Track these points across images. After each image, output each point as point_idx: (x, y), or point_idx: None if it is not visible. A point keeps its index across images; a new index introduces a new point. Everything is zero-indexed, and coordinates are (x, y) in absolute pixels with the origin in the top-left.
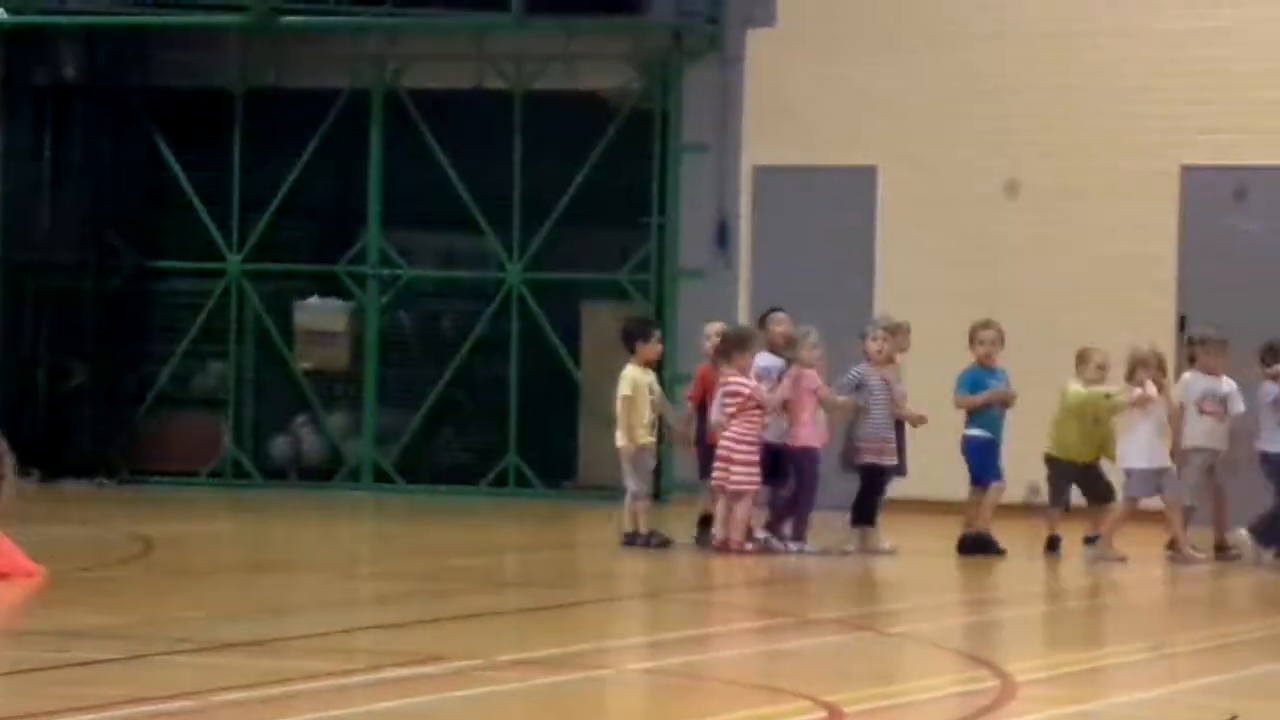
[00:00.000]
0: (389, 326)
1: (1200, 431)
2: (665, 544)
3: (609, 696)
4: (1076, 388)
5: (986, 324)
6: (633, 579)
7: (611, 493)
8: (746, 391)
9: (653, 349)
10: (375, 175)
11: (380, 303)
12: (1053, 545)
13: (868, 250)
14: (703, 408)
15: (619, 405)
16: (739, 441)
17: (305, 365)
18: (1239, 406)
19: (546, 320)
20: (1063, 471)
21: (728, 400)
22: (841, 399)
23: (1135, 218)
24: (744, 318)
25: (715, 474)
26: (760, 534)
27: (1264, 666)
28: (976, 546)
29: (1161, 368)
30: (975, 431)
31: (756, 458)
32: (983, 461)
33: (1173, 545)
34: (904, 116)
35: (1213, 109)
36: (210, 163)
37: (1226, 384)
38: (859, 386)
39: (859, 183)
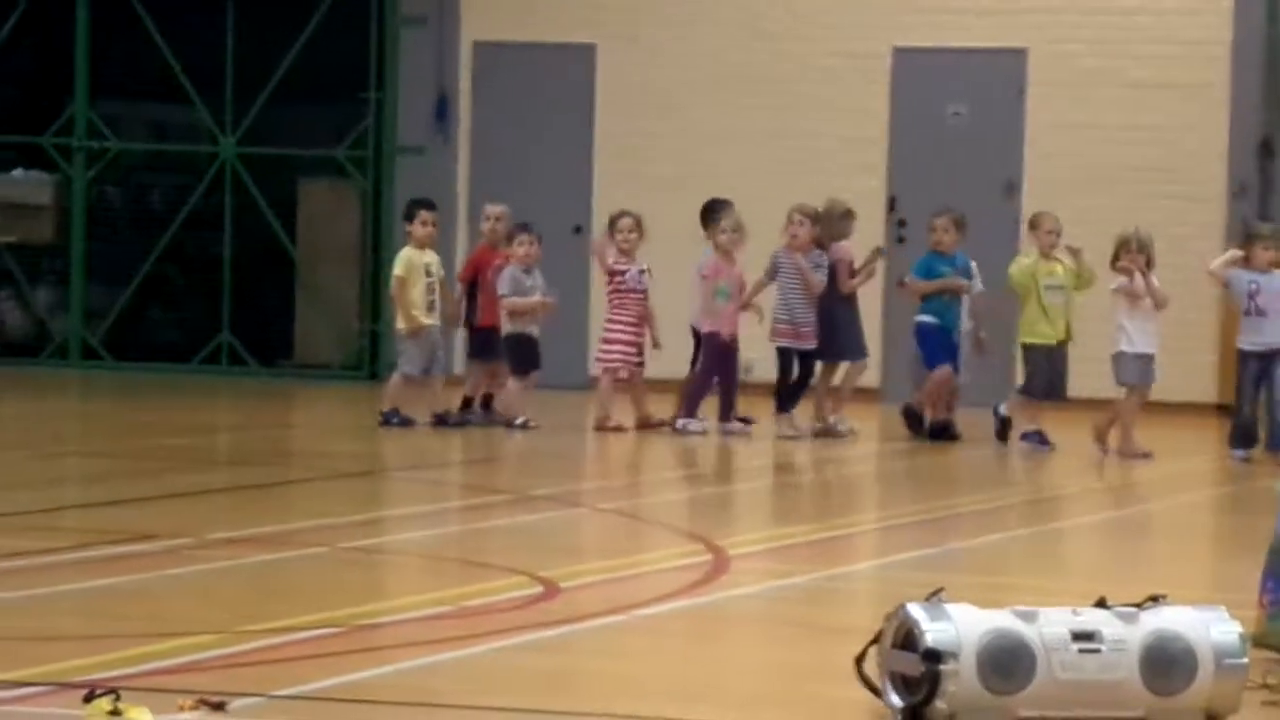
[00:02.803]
0: (97, 200)
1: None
2: (408, 424)
3: (322, 574)
4: (1021, 261)
5: (940, 211)
6: (350, 458)
7: (328, 371)
8: (619, 273)
9: (420, 228)
10: (82, 43)
11: (87, 176)
12: (1024, 436)
13: (587, 129)
14: (473, 289)
15: (393, 286)
16: (611, 322)
17: (8, 239)
18: (979, 285)
19: (261, 196)
20: (1032, 358)
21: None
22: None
23: (847, 100)
24: (463, 195)
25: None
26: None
27: (972, 540)
28: (933, 432)
29: (1144, 251)
30: (924, 318)
31: (627, 338)
32: (930, 347)
33: (1107, 437)
34: None
35: None
36: None
37: (964, 262)
38: (776, 270)
39: (579, 60)
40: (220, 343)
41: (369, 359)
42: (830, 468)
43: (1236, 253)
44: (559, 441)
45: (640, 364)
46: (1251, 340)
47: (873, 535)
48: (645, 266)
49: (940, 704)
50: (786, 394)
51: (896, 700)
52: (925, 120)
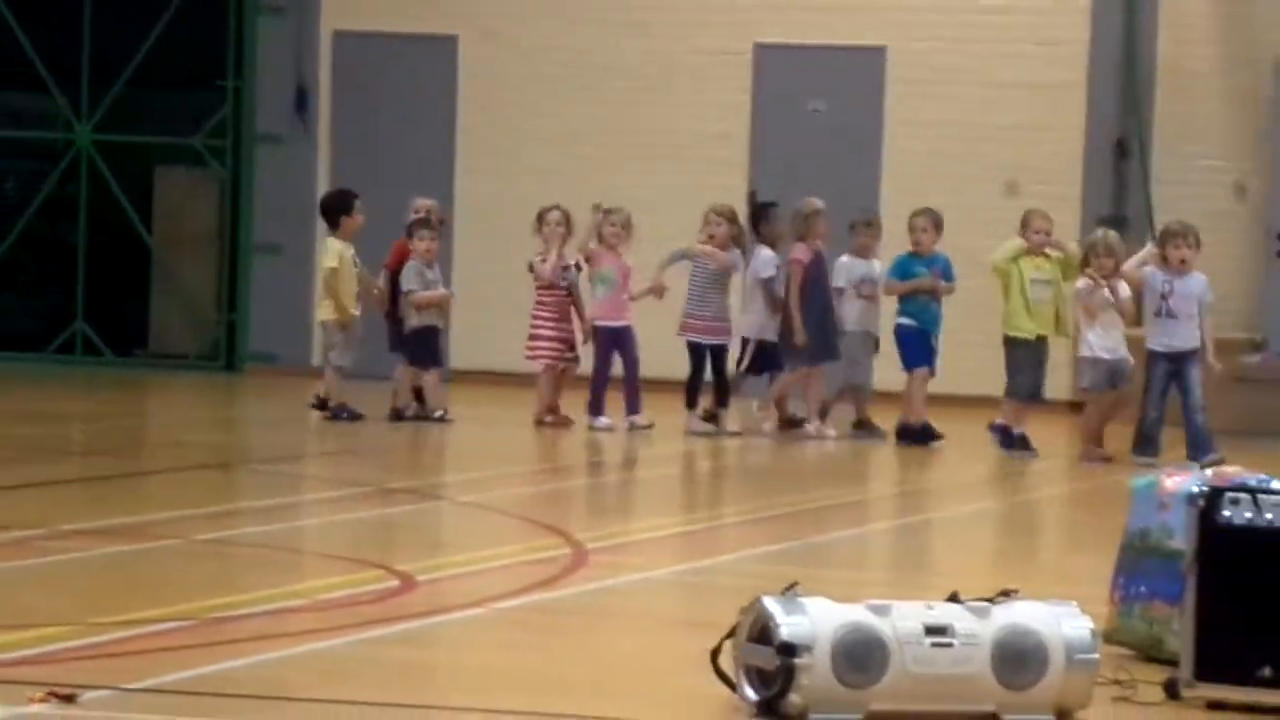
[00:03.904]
0: None
1: (855, 313)
2: (357, 418)
3: (175, 566)
4: (1004, 246)
5: (918, 211)
6: (207, 449)
7: (184, 361)
8: (535, 268)
9: (355, 221)
10: None
11: None
12: (1018, 441)
13: (449, 121)
14: (395, 280)
15: (323, 277)
16: (534, 318)
17: None
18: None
19: (117, 184)
20: (1014, 355)
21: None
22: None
23: (709, 95)
24: (322, 186)
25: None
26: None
27: (828, 534)
28: (912, 435)
29: (1113, 255)
30: (902, 320)
31: (550, 333)
32: (907, 349)
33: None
34: None
35: None
36: None
37: (879, 266)
38: (679, 259)
39: (441, 52)
40: (75, 331)
41: (225, 349)
42: (702, 462)
43: (1152, 249)
44: (434, 435)
45: (574, 359)
46: (1162, 342)
47: (732, 529)
48: (571, 262)
49: (794, 697)
50: (694, 389)
51: (751, 694)
52: (786, 116)
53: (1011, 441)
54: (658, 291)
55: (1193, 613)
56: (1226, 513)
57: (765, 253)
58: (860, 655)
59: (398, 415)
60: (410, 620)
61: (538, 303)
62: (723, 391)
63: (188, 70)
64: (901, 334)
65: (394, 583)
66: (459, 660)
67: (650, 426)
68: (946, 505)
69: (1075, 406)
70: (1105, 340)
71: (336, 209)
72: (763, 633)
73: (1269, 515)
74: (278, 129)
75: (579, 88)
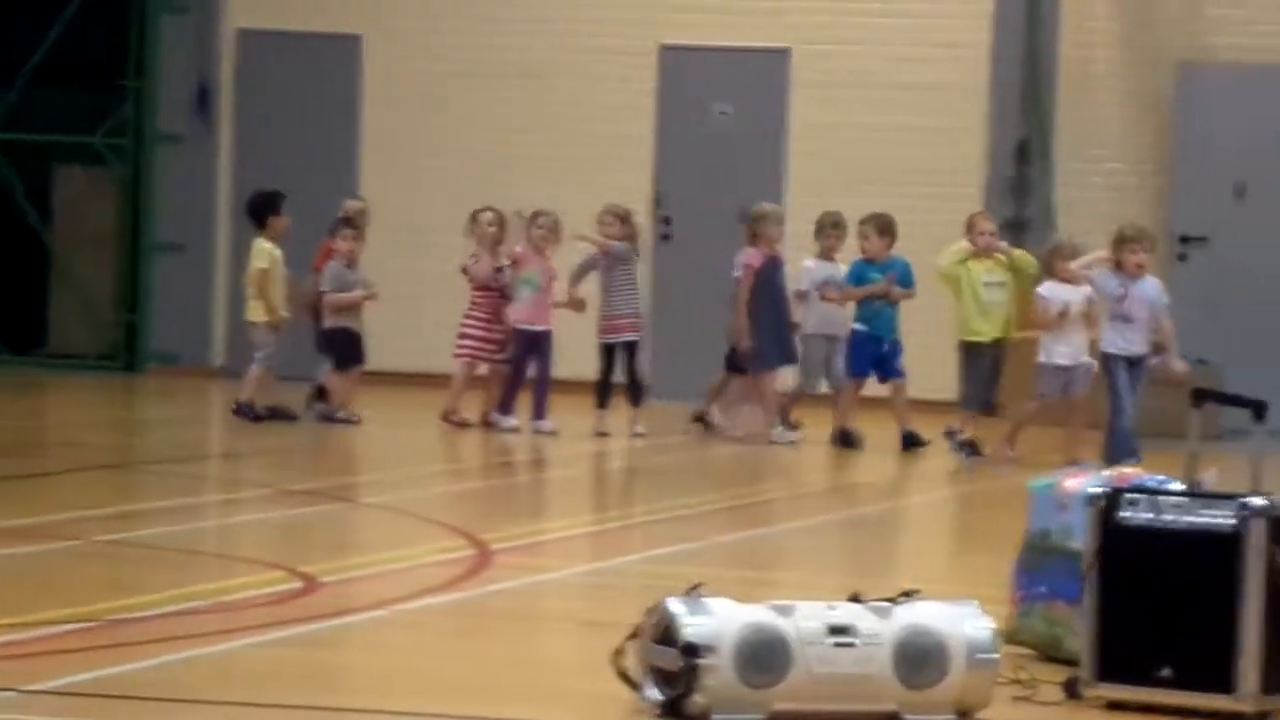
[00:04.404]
0: None
1: (819, 317)
2: (292, 418)
3: (74, 567)
4: (949, 250)
5: (865, 218)
6: (107, 450)
7: (82, 362)
8: (469, 269)
9: (283, 221)
10: None
11: None
12: (966, 447)
13: (352, 121)
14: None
15: (254, 278)
16: (466, 316)
17: None
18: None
19: (16, 182)
20: (968, 361)
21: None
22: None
23: (614, 96)
24: (224, 185)
25: None
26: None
27: (733, 535)
28: (841, 440)
29: (1076, 255)
30: (856, 325)
31: (478, 333)
32: (853, 355)
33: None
34: None
35: None
36: None
37: (843, 270)
38: (588, 269)
39: (344, 51)
40: None
41: (125, 349)
42: (607, 462)
43: (1101, 254)
44: (341, 437)
45: (505, 361)
46: (1119, 346)
47: (637, 530)
48: (503, 264)
49: (698, 698)
50: (604, 389)
51: (655, 695)
52: (692, 118)
53: (962, 447)
54: (576, 307)
55: (1093, 613)
56: (1125, 513)
57: (741, 257)
58: (763, 656)
59: (328, 417)
60: (313, 622)
61: (471, 303)
62: (635, 391)
63: (88, 69)
64: (853, 339)
65: (297, 584)
66: (362, 662)
67: (554, 433)
68: (852, 506)
69: (947, 404)
70: (1065, 346)
71: (265, 209)
72: (666, 634)
73: (1167, 516)
74: (179, 128)
75: (484, 87)
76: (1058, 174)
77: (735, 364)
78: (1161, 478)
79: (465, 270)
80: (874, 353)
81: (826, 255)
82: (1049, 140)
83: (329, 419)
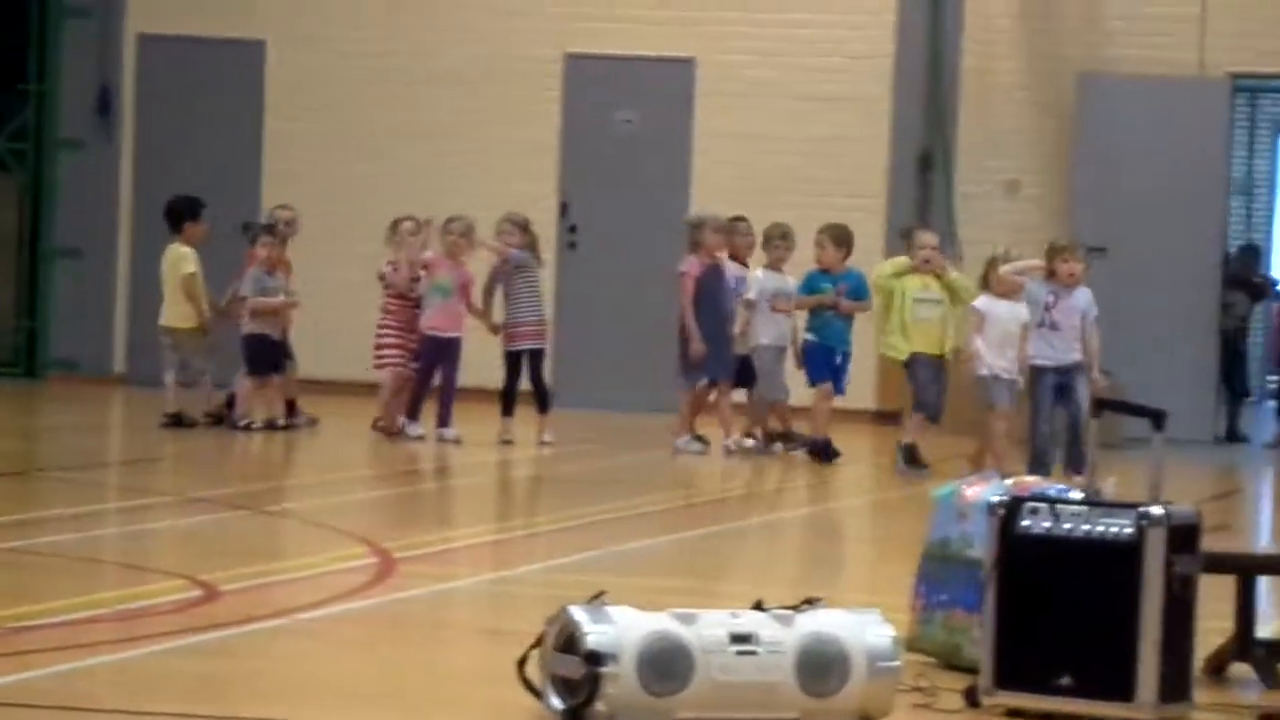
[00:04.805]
0: None
1: (773, 330)
2: (192, 424)
3: None
4: (885, 267)
5: (821, 228)
6: (5, 457)
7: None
8: (387, 277)
9: (201, 228)
10: None
11: None
12: (906, 451)
13: (255, 127)
14: None
15: (183, 283)
16: (380, 325)
17: None
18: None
19: None
20: (916, 372)
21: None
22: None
23: (519, 104)
24: (126, 191)
25: None
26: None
27: (636, 543)
28: (816, 452)
29: (994, 263)
30: (808, 336)
31: (394, 341)
32: (810, 365)
33: (977, 458)
34: None
35: None
36: None
37: (792, 281)
38: (496, 280)
39: (247, 56)
40: None
41: (25, 356)
42: (512, 471)
43: (1035, 263)
44: (245, 444)
45: (414, 368)
46: (1045, 354)
47: (540, 538)
48: (418, 274)
49: (600, 706)
50: (509, 396)
51: (557, 703)
52: (596, 126)
53: (903, 452)
54: (492, 330)
55: (992, 621)
56: (1026, 522)
57: (731, 268)
58: (666, 664)
59: (231, 424)
60: (215, 631)
61: (384, 311)
62: (542, 399)
63: None
64: (806, 350)
65: (197, 593)
66: (261, 671)
67: (459, 441)
68: (758, 512)
69: (881, 416)
70: (1002, 360)
71: (185, 214)
72: (569, 642)
73: (1067, 525)
74: (80, 133)
75: (387, 94)
76: (958, 183)
77: (742, 378)
78: (1061, 487)
79: (383, 278)
80: (828, 361)
81: (774, 266)
82: (951, 150)
83: (233, 426)
